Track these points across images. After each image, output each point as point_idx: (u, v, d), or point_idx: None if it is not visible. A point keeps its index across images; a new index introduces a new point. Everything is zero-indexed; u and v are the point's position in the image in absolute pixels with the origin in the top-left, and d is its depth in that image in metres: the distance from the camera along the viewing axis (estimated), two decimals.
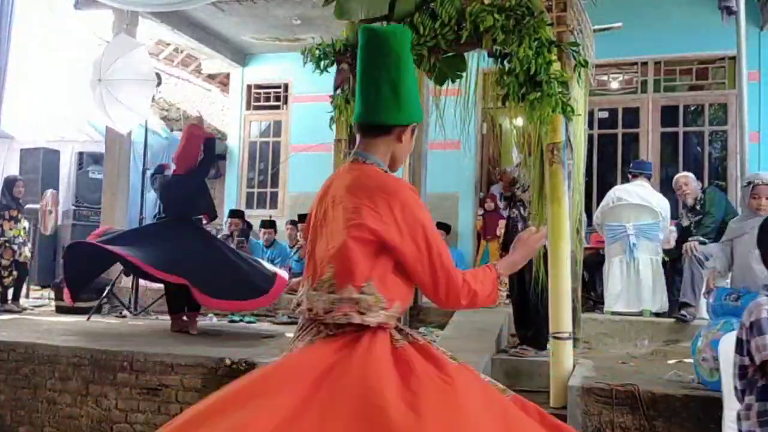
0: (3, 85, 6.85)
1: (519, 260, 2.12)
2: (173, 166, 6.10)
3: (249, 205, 10.13)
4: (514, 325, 5.01)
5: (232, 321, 6.71)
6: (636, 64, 8.33)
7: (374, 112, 2.01)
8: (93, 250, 5.50)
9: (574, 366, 4.01)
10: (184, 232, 5.75)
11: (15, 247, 7.02)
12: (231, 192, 10.32)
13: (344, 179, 1.99)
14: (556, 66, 3.95)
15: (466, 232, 8.76)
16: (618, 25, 5.11)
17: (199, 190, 6.00)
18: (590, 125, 7.43)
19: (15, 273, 7.04)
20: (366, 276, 1.87)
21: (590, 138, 7.33)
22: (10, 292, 7.07)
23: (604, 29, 5.02)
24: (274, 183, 10.19)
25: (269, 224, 8.40)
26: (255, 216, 9.31)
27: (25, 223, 7.45)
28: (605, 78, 8.45)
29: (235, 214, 8.55)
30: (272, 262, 8.05)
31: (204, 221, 6.47)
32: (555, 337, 3.92)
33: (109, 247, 5.36)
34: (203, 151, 5.98)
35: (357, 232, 1.86)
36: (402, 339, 1.90)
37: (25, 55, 7.86)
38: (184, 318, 5.81)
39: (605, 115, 8.54)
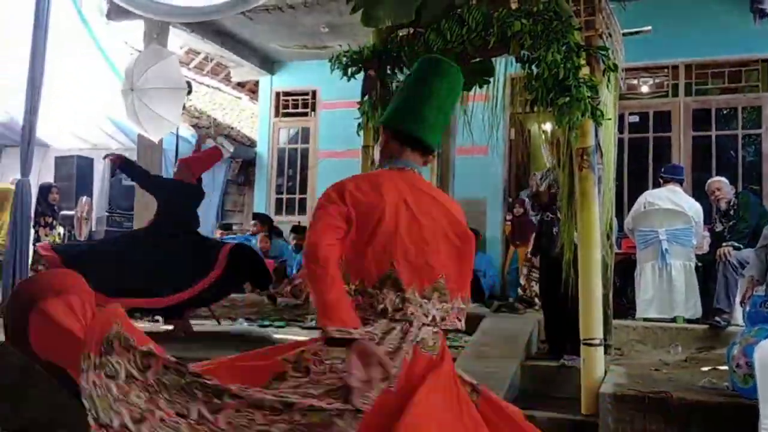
0: (39, 94, 7.01)
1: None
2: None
3: (278, 211, 10.20)
4: (545, 331, 4.97)
5: (262, 326, 6.76)
6: (667, 67, 8.22)
7: (432, 134, 2.16)
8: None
9: (605, 373, 3.96)
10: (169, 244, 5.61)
11: None
12: (260, 198, 10.41)
13: (419, 185, 2.13)
14: (585, 70, 3.91)
15: (495, 238, 8.72)
16: (648, 29, 5.05)
17: (197, 204, 6.07)
18: (621, 129, 7.35)
19: None
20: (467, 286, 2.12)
21: (621, 142, 7.25)
22: None
23: (634, 33, 4.97)
24: (303, 189, 10.26)
25: (299, 230, 8.49)
26: (284, 222, 9.38)
27: (60, 229, 7.61)
28: (635, 82, 8.35)
29: (256, 216, 8.70)
30: (301, 266, 8.12)
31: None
32: (586, 344, 3.88)
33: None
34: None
35: (463, 239, 2.10)
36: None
37: (59, 65, 8.01)
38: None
39: (636, 119, 8.44)
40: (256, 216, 8.74)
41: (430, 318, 1.97)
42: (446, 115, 2.19)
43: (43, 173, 9.62)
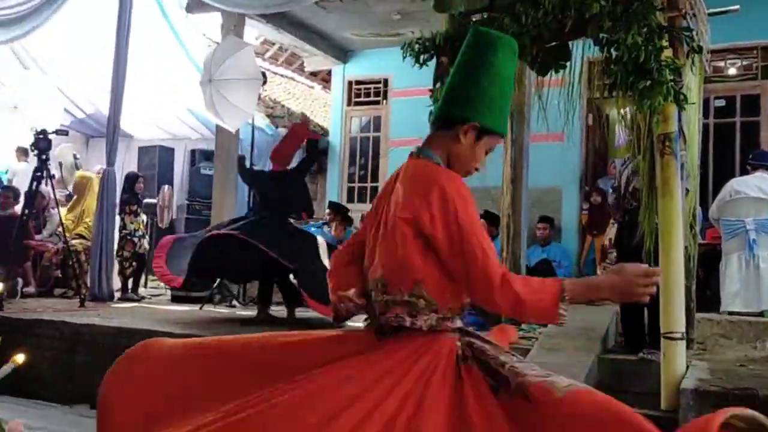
0: (122, 87, 7.31)
1: (603, 290, 1.74)
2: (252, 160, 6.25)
3: (350, 200, 10.30)
4: (621, 324, 4.84)
5: None
6: (755, 48, 7.81)
7: (442, 104, 1.98)
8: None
9: (686, 368, 3.82)
10: (281, 231, 5.79)
11: (135, 240, 7.47)
12: (332, 187, 10.53)
13: (398, 175, 1.98)
14: (668, 52, 3.76)
15: (571, 227, 8.52)
16: (735, 8, 4.80)
17: (298, 189, 6.08)
18: (706, 114, 7.04)
19: (134, 264, 7.49)
20: (416, 277, 1.82)
21: (706, 127, 6.95)
22: (130, 282, 7.53)
23: (720, 12, 4.73)
24: (374, 177, 10.31)
25: None
26: (356, 210, 9.46)
27: (144, 217, 7.92)
28: (722, 64, 7.97)
29: (331, 205, 8.81)
30: None
31: (303, 219, 6.56)
32: (667, 338, 3.75)
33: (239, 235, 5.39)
34: (305, 151, 6.11)
35: (400, 227, 1.82)
36: (467, 358, 1.81)
37: (141, 59, 8.31)
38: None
39: (722, 103, 8.08)
40: (331, 205, 8.86)
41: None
42: (474, 83, 1.91)
43: (127, 163, 10.03)
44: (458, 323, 1.87)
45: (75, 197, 7.81)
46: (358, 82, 10.48)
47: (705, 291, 6.27)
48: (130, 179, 7.64)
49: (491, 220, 6.83)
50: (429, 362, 1.77)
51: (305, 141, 6.20)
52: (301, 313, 5.86)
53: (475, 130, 1.92)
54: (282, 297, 6.06)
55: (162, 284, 8.58)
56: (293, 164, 6.27)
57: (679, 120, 3.87)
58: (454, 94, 1.95)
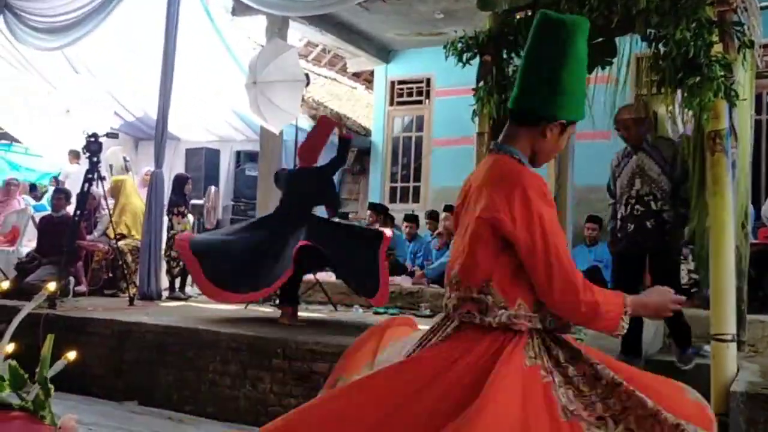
0: (170, 90, 7.46)
1: (649, 308, 1.95)
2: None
3: (392, 200, 10.31)
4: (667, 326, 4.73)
5: (377, 313, 6.87)
6: None
7: (525, 99, 1.94)
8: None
9: (737, 370, 3.71)
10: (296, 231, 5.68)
11: None
12: (375, 187, 10.55)
13: (480, 171, 1.97)
14: (718, 48, 3.66)
15: None
16: None
17: (323, 187, 6.01)
18: (758, 110, 6.83)
19: (182, 264, 7.62)
20: (486, 275, 1.83)
21: (758, 124, 6.74)
22: (177, 281, 7.67)
23: None
24: (417, 177, 10.30)
25: (411, 218, 8.52)
26: (398, 210, 9.46)
27: (191, 218, 8.06)
28: None
29: (372, 207, 8.80)
30: (414, 255, 8.17)
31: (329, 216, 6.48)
32: (716, 339, 3.65)
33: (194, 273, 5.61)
34: (337, 150, 6.08)
35: (478, 225, 1.83)
36: (536, 357, 1.80)
37: (188, 63, 8.47)
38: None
39: None
40: (372, 206, 8.86)
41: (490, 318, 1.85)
42: (550, 77, 1.88)
43: (174, 165, 10.22)
44: (538, 324, 1.84)
45: (113, 201, 7.97)
46: (401, 82, 10.48)
47: (757, 292, 6.08)
48: (180, 181, 7.77)
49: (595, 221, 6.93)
50: (495, 361, 1.77)
51: (338, 139, 6.13)
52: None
53: (560, 126, 1.93)
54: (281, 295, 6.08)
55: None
56: (321, 162, 6.23)
57: (730, 116, 3.77)
58: (537, 88, 1.91)
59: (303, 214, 5.87)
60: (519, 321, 1.82)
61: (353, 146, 11.54)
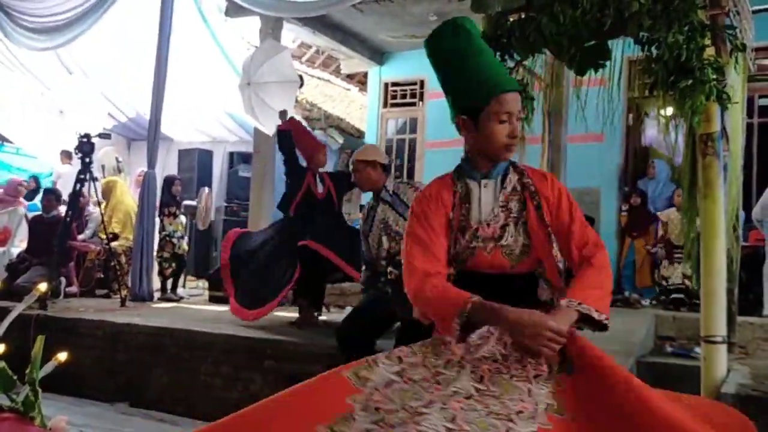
0: (163, 91, 7.44)
1: (502, 320, 1.81)
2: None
3: None
4: None
5: None
6: None
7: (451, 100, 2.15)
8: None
9: (727, 372, 3.73)
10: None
11: (174, 241, 7.59)
12: None
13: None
14: (710, 51, 3.68)
15: (610, 229, 8.39)
16: None
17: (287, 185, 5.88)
18: (749, 113, 6.87)
19: (174, 265, 7.61)
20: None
21: (750, 127, 6.78)
22: (170, 282, 7.65)
23: (765, 9, 4.62)
24: (410, 179, 10.30)
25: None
26: None
27: (183, 219, 8.04)
28: (767, 62, 7.76)
29: (362, 209, 8.78)
30: None
31: None
32: (707, 341, 3.67)
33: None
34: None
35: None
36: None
37: (181, 63, 8.45)
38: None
39: (767, 102, 7.86)
40: (362, 209, 8.84)
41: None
42: (444, 79, 2.14)
43: (167, 165, 10.21)
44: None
45: (104, 202, 7.94)
46: (394, 84, 10.49)
47: (747, 294, 6.12)
48: (168, 182, 7.77)
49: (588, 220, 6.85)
50: None
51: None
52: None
53: (462, 119, 2.05)
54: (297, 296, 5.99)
55: (200, 284, 8.73)
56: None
57: (722, 120, 3.79)
58: (448, 97, 2.15)
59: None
60: None
61: (347, 148, 11.56)
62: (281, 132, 5.91)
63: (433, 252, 1.96)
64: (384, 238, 3.87)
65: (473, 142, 2.05)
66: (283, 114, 6.11)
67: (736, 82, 4.00)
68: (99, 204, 7.54)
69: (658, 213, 7.37)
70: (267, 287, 5.37)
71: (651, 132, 8.27)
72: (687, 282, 6.33)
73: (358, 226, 7.89)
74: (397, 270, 3.77)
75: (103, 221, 7.27)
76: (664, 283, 6.78)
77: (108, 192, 7.87)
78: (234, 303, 5.43)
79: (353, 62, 10.69)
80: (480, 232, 2.01)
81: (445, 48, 2.07)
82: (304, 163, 5.91)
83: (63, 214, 7.12)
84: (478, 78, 2.01)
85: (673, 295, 6.62)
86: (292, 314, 6.07)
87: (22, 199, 8.50)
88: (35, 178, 9.48)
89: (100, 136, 7.25)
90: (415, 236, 1.99)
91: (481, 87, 1.99)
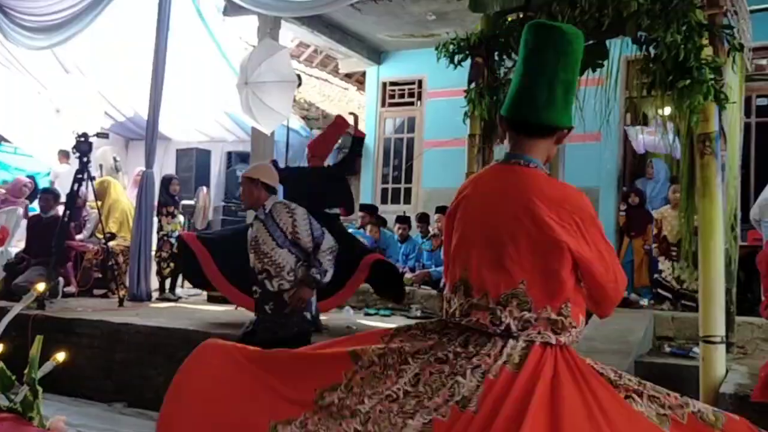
0: (161, 90, 7.43)
1: None
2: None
3: (383, 201, 10.31)
4: None
5: (368, 314, 6.87)
6: None
7: (545, 112, 1.90)
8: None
9: (726, 372, 3.73)
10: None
11: (172, 241, 7.57)
12: (366, 188, 10.55)
13: (509, 182, 1.90)
14: (708, 51, 3.69)
15: (608, 229, 8.39)
16: None
17: (337, 186, 5.85)
18: (747, 113, 6.88)
19: (172, 265, 7.60)
20: (566, 297, 1.84)
21: (747, 127, 6.79)
22: (167, 282, 7.64)
23: (763, 9, 4.63)
24: (408, 179, 10.31)
25: (403, 220, 8.51)
26: (389, 211, 9.46)
27: (181, 218, 8.03)
28: (764, 62, 7.77)
29: (364, 208, 8.77)
30: (407, 256, 8.18)
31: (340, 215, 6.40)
32: (706, 341, 3.67)
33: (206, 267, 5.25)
34: (350, 147, 6.00)
35: (555, 249, 1.81)
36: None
37: (179, 62, 8.44)
38: None
39: (764, 102, 7.88)
40: (364, 207, 8.84)
41: (503, 327, 1.82)
42: (566, 87, 1.89)
43: (165, 165, 10.19)
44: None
45: (100, 202, 7.91)
46: (393, 84, 10.49)
47: (746, 294, 6.12)
48: (165, 182, 7.75)
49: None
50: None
51: (350, 136, 6.05)
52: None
53: (568, 132, 1.97)
54: None
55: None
56: (330, 162, 6.20)
57: (720, 119, 3.79)
58: (556, 101, 1.90)
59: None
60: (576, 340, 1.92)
61: (345, 147, 11.54)
62: (362, 138, 6.05)
63: None
64: (252, 256, 3.94)
65: (550, 154, 1.98)
66: (355, 118, 6.16)
67: (733, 82, 4.01)
68: (97, 204, 7.52)
69: (653, 211, 7.34)
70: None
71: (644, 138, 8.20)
72: (674, 283, 6.31)
73: (351, 229, 7.97)
74: (260, 289, 3.89)
75: (100, 221, 7.26)
76: (656, 276, 6.74)
77: (102, 192, 7.85)
78: (218, 272, 5.24)
79: (351, 61, 10.69)
80: None
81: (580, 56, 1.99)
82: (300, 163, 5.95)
83: (61, 214, 7.10)
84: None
85: (658, 290, 6.59)
86: None
87: (24, 200, 8.48)
88: (32, 179, 9.46)
89: (98, 135, 7.24)
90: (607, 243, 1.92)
91: (552, 108, 1.97)
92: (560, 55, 1.89)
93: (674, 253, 5.99)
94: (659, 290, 6.56)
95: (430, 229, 8.14)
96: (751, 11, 4.47)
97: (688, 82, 3.61)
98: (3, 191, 8.46)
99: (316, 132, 10.73)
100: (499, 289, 1.84)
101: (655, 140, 7.23)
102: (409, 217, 8.65)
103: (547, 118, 1.90)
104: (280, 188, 5.35)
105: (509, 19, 4.43)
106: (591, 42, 4.20)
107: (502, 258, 1.84)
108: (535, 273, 1.83)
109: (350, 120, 6.21)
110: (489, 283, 1.85)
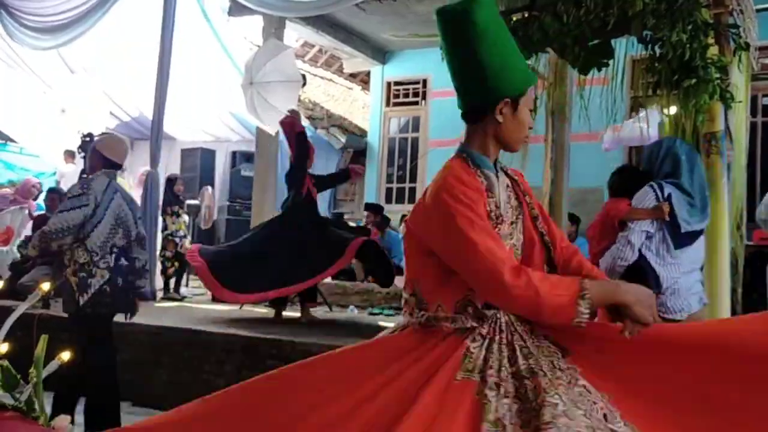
0: (166, 90, 7.44)
1: (626, 294, 1.67)
2: None
3: (388, 200, 10.31)
4: None
5: (372, 313, 6.87)
6: None
7: (465, 99, 1.89)
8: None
9: None
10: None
11: (177, 240, 7.58)
12: (371, 187, 10.55)
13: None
14: (714, 50, 3.68)
15: None
16: None
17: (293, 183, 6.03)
18: (753, 112, 6.86)
19: (176, 264, 7.61)
20: (413, 278, 1.85)
21: (753, 126, 6.77)
22: (172, 281, 7.65)
23: None
24: (413, 178, 10.31)
25: None
26: (394, 211, 9.46)
27: (186, 218, 8.04)
28: None
29: (368, 207, 8.78)
30: None
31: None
32: None
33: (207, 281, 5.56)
34: (296, 146, 6.05)
35: (408, 234, 1.88)
36: (473, 371, 1.67)
37: (184, 62, 8.46)
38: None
39: None
40: (369, 207, 8.85)
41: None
42: (476, 60, 1.80)
43: (170, 165, 10.21)
44: (467, 323, 1.76)
45: None
46: (397, 83, 10.49)
47: (752, 293, 6.10)
48: (170, 182, 7.76)
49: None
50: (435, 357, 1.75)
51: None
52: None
53: (507, 104, 1.84)
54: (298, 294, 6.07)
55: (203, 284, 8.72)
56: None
57: (726, 119, 3.78)
58: (466, 84, 1.87)
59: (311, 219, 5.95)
60: (438, 323, 1.78)
61: (350, 147, 11.56)
62: (302, 133, 6.04)
63: (502, 243, 1.78)
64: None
65: (503, 129, 1.85)
66: (294, 113, 6.20)
67: (739, 81, 3.99)
68: None
69: None
70: (262, 276, 5.44)
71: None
72: None
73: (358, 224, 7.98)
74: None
75: None
76: None
77: None
78: (218, 286, 5.46)
79: (356, 61, 10.70)
80: (500, 229, 1.83)
81: (492, 21, 1.83)
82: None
83: None
84: (521, 62, 1.92)
85: None
86: (295, 313, 6.09)
87: (32, 201, 8.51)
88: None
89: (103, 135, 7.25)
90: (480, 227, 1.71)
91: (524, 72, 1.90)
92: (456, 33, 1.83)
93: None
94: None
95: None
96: (757, 10, 4.46)
97: (693, 81, 3.60)
98: (10, 191, 8.50)
99: (321, 132, 10.76)
100: None
101: (625, 133, 7.18)
102: None
103: (467, 102, 1.90)
104: (283, 192, 5.39)
105: (514, 18, 4.41)
106: (596, 41, 4.19)
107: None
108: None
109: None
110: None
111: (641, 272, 3.53)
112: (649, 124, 5.40)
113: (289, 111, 6.20)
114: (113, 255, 3.94)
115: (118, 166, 4.11)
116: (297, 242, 5.63)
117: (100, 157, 4.05)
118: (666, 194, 3.38)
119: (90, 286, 3.82)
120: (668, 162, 3.62)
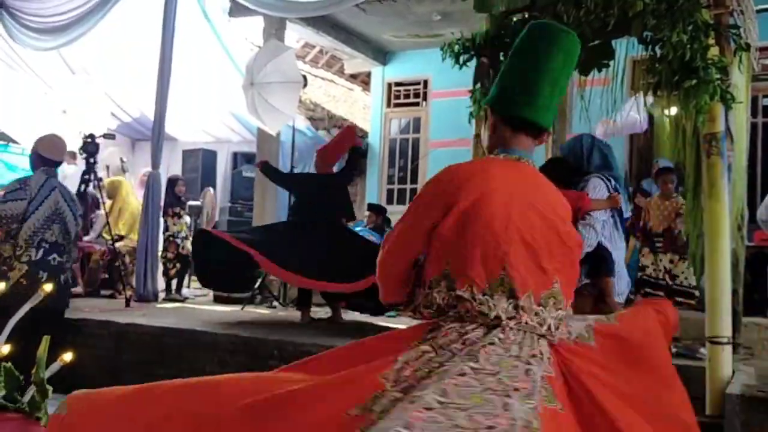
0: (167, 90, 7.45)
1: None
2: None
3: (389, 201, 10.31)
4: None
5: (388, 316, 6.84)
6: None
7: (543, 112, 1.93)
8: (222, 242, 5.43)
9: (733, 373, 3.72)
10: (316, 234, 5.60)
11: (178, 241, 7.59)
12: (372, 188, 10.55)
13: (528, 180, 1.92)
14: (714, 51, 3.68)
15: None
16: None
17: (342, 195, 6.06)
18: (753, 113, 6.86)
19: (178, 265, 7.62)
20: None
21: (753, 127, 6.77)
22: (174, 282, 7.66)
23: None
24: (414, 179, 10.30)
25: None
26: (395, 212, 9.45)
27: (187, 219, 8.05)
28: None
29: (371, 207, 8.78)
30: None
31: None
32: (712, 342, 3.66)
33: (236, 243, 5.30)
34: (349, 156, 6.10)
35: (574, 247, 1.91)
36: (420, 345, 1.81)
37: (185, 63, 8.46)
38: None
39: None
40: (371, 207, 8.84)
41: (545, 328, 1.77)
42: (562, 90, 1.96)
43: (171, 166, 10.21)
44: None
45: (110, 202, 7.93)
46: (398, 84, 10.49)
47: (753, 294, 6.09)
48: (171, 183, 7.77)
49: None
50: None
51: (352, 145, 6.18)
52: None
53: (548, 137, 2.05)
54: (323, 296, 6.06)
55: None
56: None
57: (726, 119, 3.78)
58: (551, 102, 1.94)
59: (325, 223, 5.77)
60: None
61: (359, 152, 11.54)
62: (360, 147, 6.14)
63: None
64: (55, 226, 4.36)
65: (497, 136, 1.99)
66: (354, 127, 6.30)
67: (740, 82, 4.00)
68: (103, 205, 7.53)
69: (637, 200, 7.07)
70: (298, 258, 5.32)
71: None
72: (668, 279, 6.12)
73: (359, 229, 7.98)
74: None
75: (107, 221, 7.28)
76: (640, 274, 6.39)
77: (113, 191, 7.88)
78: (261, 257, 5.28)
79: (357, 62, 10.70)
80: None
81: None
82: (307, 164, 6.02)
83: None
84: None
85: (647, 290, 6.27)
86: (295, 314, 6.10)
87: None
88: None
89: (105, 136, 7.27)
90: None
91: (551, 111, 2.01)
92: (566, 60, 1.93)
93: (659, 245, 5.85)
94: (647, 290, 6.32)
95: None
96: (758, 11, 4.46)
97: (694, 82, 3.60)
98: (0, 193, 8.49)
99: (322, 133, 10.75)
100: (539, 290, 1.80)
101: (608, 128, 7.15)
102: None
103: (544, 119, 1.94)
104: (285, 194, 5.40)
105: (514, 19, 4.42)
106: (596, 42, 4.20)
107: (539, 258, 1.81)
108: (564, 272, 1.86)
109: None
110: (532, 284, 1.79)
111: (600, 257, 3.97)
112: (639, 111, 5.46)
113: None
114: (41, 250, 4.06)
115: (56, 164, 4.39)
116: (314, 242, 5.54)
117: (38, 156, 4.26)
118: (613, 185, 4.08)
119: (9, 279, 3.96)
120: (596, 155, 4.28)
